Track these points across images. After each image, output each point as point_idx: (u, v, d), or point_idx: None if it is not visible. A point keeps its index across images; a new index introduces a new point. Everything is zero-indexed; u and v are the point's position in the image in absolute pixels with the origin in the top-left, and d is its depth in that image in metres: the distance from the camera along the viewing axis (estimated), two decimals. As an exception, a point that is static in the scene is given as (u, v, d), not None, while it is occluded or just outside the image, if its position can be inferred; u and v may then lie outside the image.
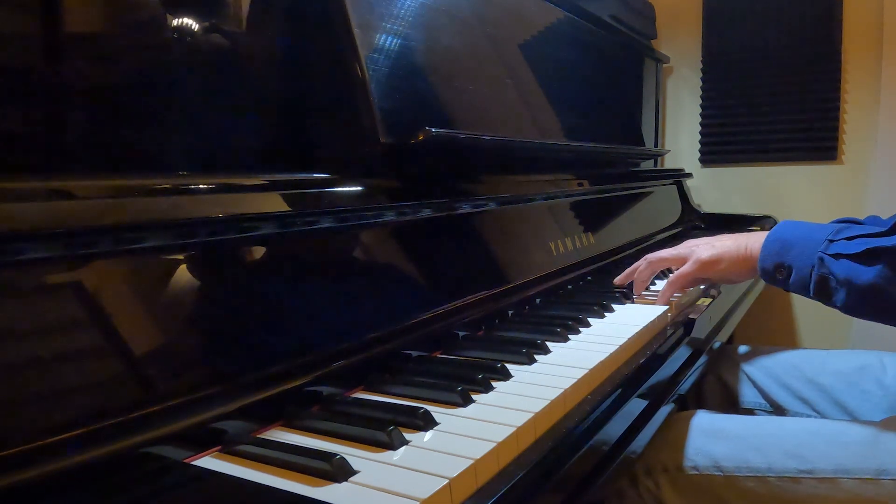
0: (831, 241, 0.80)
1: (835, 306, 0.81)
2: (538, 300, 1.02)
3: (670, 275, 1.00)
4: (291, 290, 0.65)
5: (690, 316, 0.96)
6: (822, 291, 0.81)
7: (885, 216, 1.21)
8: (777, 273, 0.86)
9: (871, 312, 0.79)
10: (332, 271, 0.70)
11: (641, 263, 1.04)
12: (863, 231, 0.79)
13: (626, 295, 1.04)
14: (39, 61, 0.58)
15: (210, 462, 0.50)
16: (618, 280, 1.08)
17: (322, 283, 0.68)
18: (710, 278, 1.00)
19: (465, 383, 0.63)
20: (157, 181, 0.57)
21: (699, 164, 2.22)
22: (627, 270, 1.07)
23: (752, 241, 0.92)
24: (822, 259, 0.80)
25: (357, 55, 0.81)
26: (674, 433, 0.86)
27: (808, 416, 1.09)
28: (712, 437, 0.84)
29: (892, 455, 0.77)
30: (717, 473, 0.81)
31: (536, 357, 0.73)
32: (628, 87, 1.91)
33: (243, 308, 0.59)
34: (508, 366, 0.69)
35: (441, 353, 0.78)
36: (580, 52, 1.53)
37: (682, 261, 0.98)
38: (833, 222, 1.26)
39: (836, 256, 0.78)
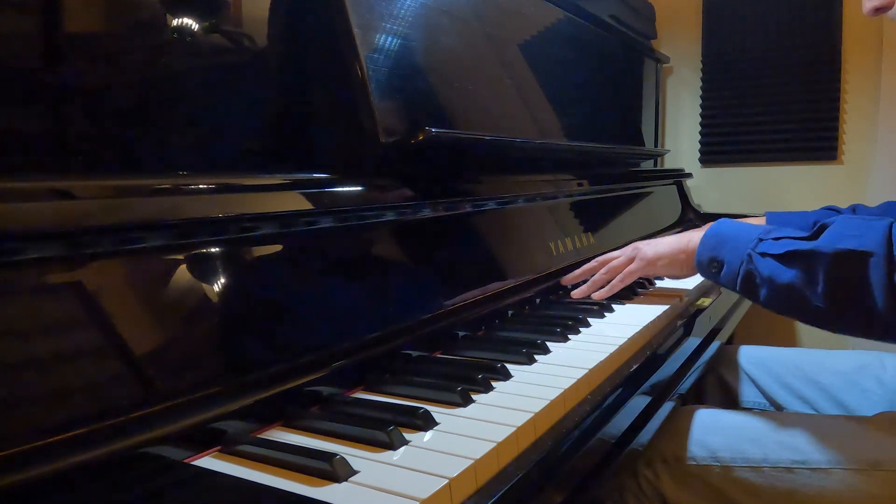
0: (761, 239, 0.83)
1: (758, 302, 0.84)
2: (538, 300, 1.02)
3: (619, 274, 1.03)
4: (291, 290, 0.65)
5: (690, 316, 0.96)
6: (748, 287, 0.84)
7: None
8: (710, 266, 0.89)
9: (787, 310, 0.82)
10: (332, 271, 0.70)
11: (596, 266, 1.06)
12: (788, 233, 0.82)
13: (625, 295, 1.04)
14: (40, 61, 0.58)
15: (210, 462, 0.50)
16: (566, 280, 1.08)
17: (322, 283, 0.68)
18: (656, 274, 1.04)
19: (465, 383, 0.63)
20: (157, 181, 0.57)
21: (699, 164, 2.22)
22: (578, 270, 1.07)
23: (693, 237, 0.95)
24: (750, 256, 0.83)
25: (357, 55, 0.81)
26: (674, 426, 0.88)
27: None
28: (711, 430, 0.86)
29: (885, 449, 0.79)
30: (714, 464, 0.83)
31: (536, 357, 0.73)
32: (628, 87, 1.91)
33: (243, 308, 0.59)
34: (508, 366, 0.69)
35: (441, 353, 0.78)
36: (580, 52, 1.53)
37: (631, 261, 1.03)
38: (819, 209, 1.29)
39: (763, 255, 0.81)
